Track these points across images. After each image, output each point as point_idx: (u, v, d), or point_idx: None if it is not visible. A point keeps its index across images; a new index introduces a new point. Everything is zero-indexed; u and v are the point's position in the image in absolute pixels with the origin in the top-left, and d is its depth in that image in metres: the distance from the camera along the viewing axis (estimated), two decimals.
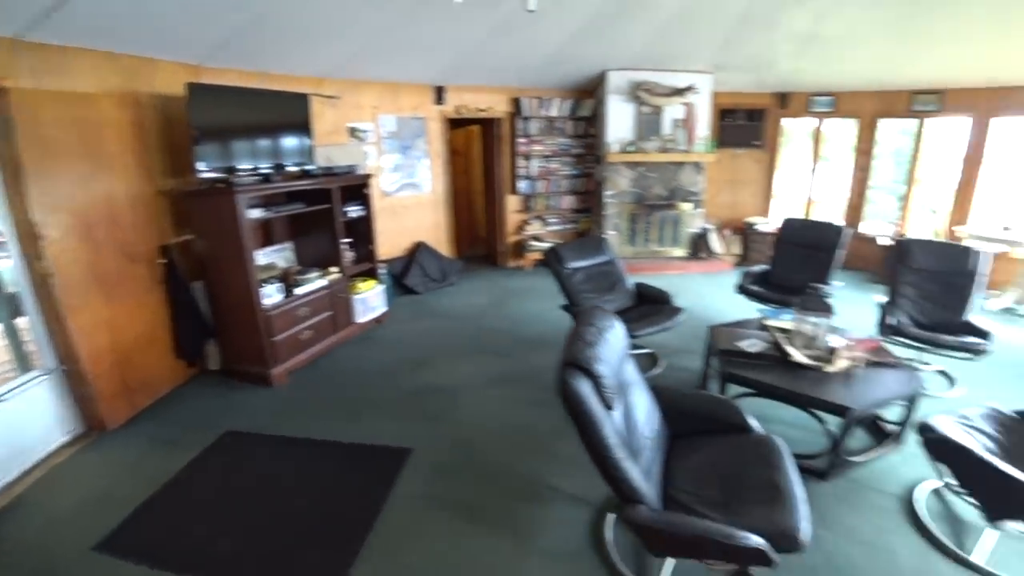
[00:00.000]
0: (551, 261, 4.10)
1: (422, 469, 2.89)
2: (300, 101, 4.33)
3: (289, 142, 4.26)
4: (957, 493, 2.52)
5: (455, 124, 6.84)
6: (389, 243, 5.96)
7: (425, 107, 6.21)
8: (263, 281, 3.80)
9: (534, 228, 6.90)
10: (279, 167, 4.10)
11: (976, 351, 3.47)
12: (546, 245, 6.78)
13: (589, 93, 6.73)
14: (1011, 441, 2.44)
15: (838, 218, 7.04)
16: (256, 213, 3.84)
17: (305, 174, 4.32)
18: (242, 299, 3.74)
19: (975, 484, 2.26)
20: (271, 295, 3.85)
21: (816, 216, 7.06)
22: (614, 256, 4.39)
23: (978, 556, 2.28)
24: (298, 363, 4.09)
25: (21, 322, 3.11)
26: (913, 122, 6.49)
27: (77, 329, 3.14)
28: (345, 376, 4.05)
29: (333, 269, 4.48)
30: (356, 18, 4.13)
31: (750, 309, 4.88)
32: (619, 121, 6.39)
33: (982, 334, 3.54)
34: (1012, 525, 2.18)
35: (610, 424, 1.80)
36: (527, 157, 6.67)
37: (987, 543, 2.32)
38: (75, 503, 2.71)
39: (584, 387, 1.77)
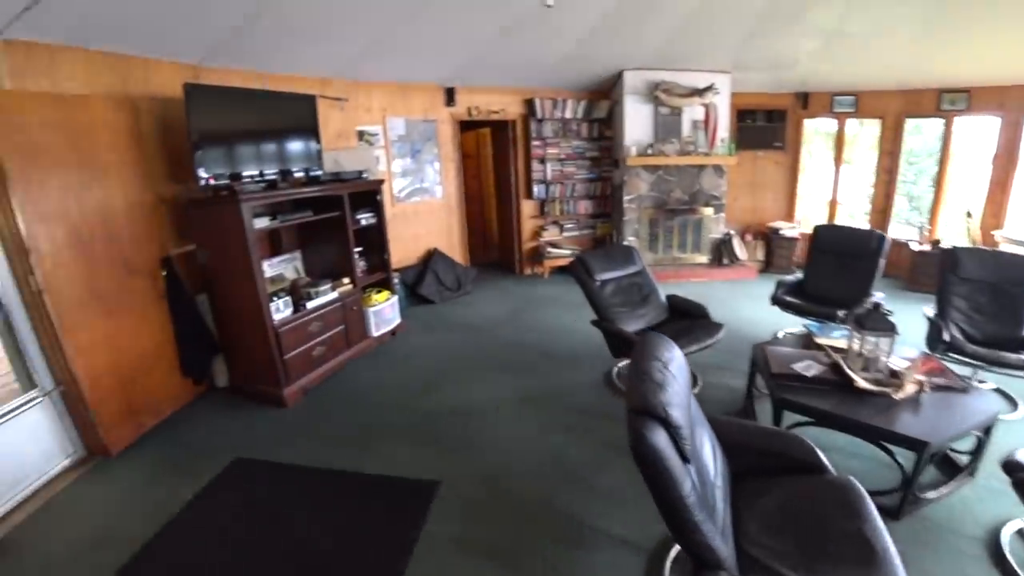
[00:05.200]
0: (579, 273, 3.82)
1: (452, 506, 2.62)
2: (306, 103, 4.11)
3: (295, 146, 4.03)
4: None
5: (465, 127, 6.60)
6: (401, 251, 5.73)
7: (436, 109, 5.97)
8: (272, 295, 3.57)
9: (550, 234, 6.63)
10: (285, 173, 3.88)
11: None
12: (563, 251, 6.53)
13: (604, 94, 6.48)
14: None
15: (862, 222, 6.80)
16: (262, 222, 3.62)
17: (312, 180, 4.09)
18: (250, 314, 3.51)
19: None
20: (280, 309, 3.62)
21: (840, 220, 6.79)
22: (644, 267, 4.11)
23: None
24: (310, 382, 3.85)
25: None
26: (939, 122, 6.22)
27: (75, 348, 2.92)
28: (358, 396, 3.80)
29: (345, 280, 4.24)
30: (361, 15, 3.89)
31: (783, 321, 4.63)
32: (637, 123, 6.13)
33: None
34: None
35: (689, 480, 1.52)
36: (542, 160, 6.41)
37: None
38: (75, 541, 2.48)
39: (660, 439, 1.47)
